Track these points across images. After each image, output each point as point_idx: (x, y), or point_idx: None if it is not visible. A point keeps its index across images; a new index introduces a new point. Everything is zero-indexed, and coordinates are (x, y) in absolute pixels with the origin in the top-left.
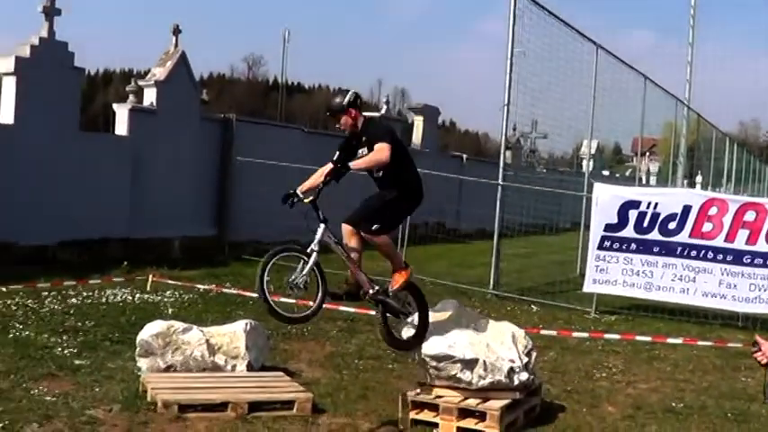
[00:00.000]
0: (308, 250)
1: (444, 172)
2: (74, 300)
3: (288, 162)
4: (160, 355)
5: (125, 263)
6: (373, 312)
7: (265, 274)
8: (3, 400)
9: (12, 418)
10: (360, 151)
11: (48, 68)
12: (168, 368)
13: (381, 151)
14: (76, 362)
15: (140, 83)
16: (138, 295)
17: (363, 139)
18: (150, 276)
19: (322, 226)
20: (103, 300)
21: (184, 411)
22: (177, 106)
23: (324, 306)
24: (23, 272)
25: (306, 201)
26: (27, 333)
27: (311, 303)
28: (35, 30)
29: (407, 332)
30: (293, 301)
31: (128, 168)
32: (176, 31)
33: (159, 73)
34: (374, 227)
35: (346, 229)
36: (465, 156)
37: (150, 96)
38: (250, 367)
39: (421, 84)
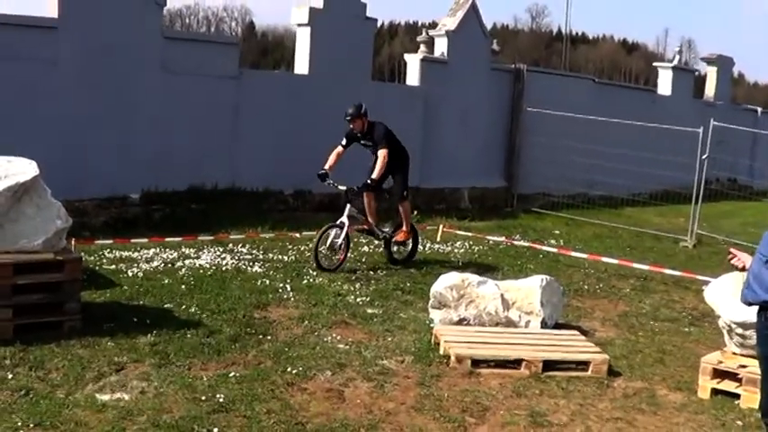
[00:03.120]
0: (339, 222)
1: (737, 125)
2: (365, 248)
3: (577, 113)
4: (453, 307)
5: (415, 212)
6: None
7: (320, 241)
8: (297, 345)
9: (305, 365)
10: (363, 141)
11: (340, 19)
12: (461, 321)
13: (384, 157)
14: (369, 311)
15: (431, 33)
16: (428, 245)
17: (367, 137)
18: (440, 227)
19: (349, 206)
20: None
21: (477, 366)
22: (468, 56)
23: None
24: (318, 219)
25: (341, 188)
26: (320, 280)
27: (341, 257)
28: None
29: (401, 255)
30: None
31: (419, 118)
32: None
33: (450, 23)
34: (404, 193)
35: (368, 193)
36: (760, 109)
37: (441, 46)
38: (544, 324)
39: (708, 33)
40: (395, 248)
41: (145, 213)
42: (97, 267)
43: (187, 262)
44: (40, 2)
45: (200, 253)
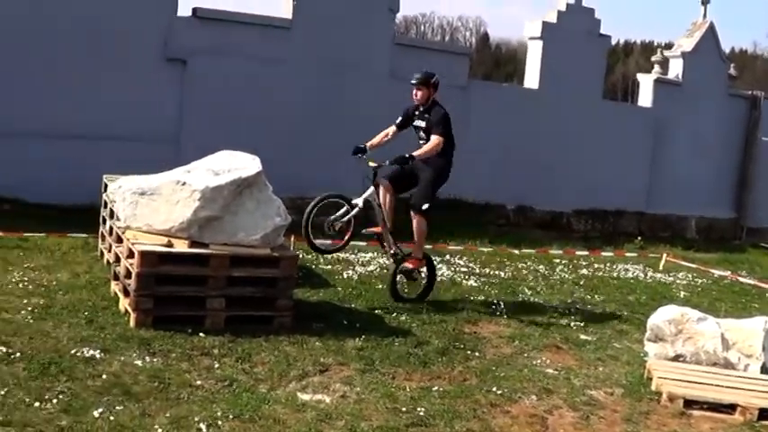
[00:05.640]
0: (353, 202)
1: None
2: (584, 271)
3: None
4: (670, 342)
5: (638, 238)
6: None
7: (314, 209)
8: (504, 365)
9: (511, 387)
10: (416, 121)
11: (574, 35)
12: (677, 357)
13: (437, 144)
14: (582, 336)
15: (666, 53)
16: (649, 273)
17: (425, 115)
18: (664, 255)
19: (372, 188)
20: (614, 274)
21: (689, 407)
22: (703, 79)
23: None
24: (537, 237)
25: (372, 164)
26: (536, 300)
27: (340, 243)
28: None
29: (407, 290)
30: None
31: (649, 141)
32: (705, 2)
33: (686, 44)
34: (424, 207)
35: (386, 186)
36: None
37: (676, 68)
38: (764, 369)
39: None
40: (399, 277)
41: (367, 217)
42: (313, 266)
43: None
44: (273, 3)
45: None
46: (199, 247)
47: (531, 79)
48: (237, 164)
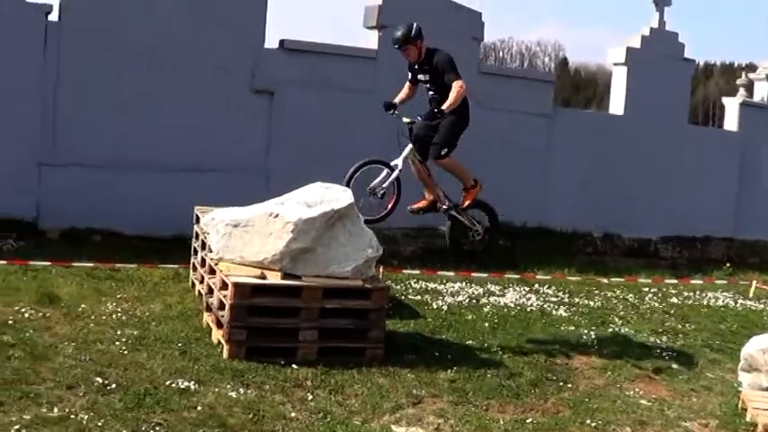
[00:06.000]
0: (392, 164)
1: None
2: (674, 299)
3: None
4: (765, 372)
5: (727, 264)
6: None
7: (352, 180)
8: (597, 397)
9: (605, 418)
10: (421, 76)
11: (658, 59)
12: None
13: (460, 88)
14: (674, 366)
15: (751, 76)
16: (740, 301)
17: (424, 67)
18: (753, 282)
19: (410, 146)
20: (704, 302)
21: None
22: None
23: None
24: (625, 265)
25: (406, 120)
26: (626, 329)
27: (388, 207)
28: (646, 20)
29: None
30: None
31: (736, 165)
32: None
33: None
34: (443, 152)
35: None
36: None
37: (761, 90)
38: None
39: None
40: (462, 223)
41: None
42: (403, 297)
43: (492, 299)
44: (359, 34)
45: (506, 291)
46: (291, 279)
47: (616, 105)
48: (330, 196)
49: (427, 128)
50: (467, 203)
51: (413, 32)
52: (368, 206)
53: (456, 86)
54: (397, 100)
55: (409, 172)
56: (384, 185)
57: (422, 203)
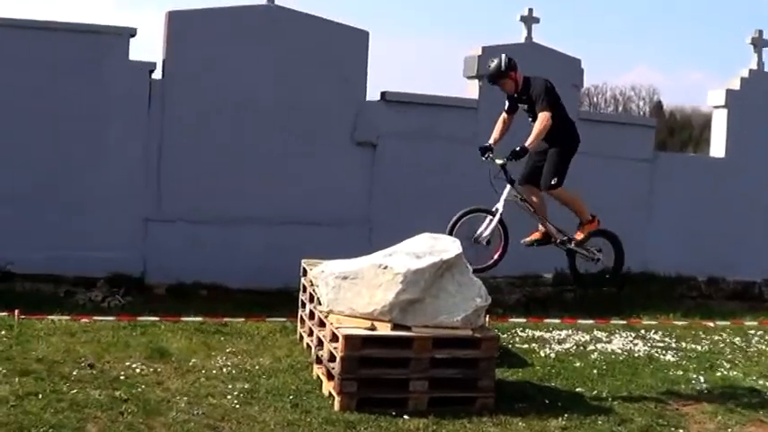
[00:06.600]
0: (494, 209)
1: None
2: None
3: None
4: None
5: None
6: None
7: (454, 230)
8: None
9: None
10: (521, 105)
11: (758, 101)
12: None
13: (545, 120)
14: None
15: None
16: None
17: (523, 97)
18: None
19: (508, 187)
20: None
21: None
22: None
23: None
24: (730, 308)
25: (497, 162)
26: (735, 373)
27: (495, 256)
28: (745, 62)
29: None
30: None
31: None
32: None
33: None
34: (552, 182)
35: (526, 188)
36: None
37: None
38: None
39: None
40: (578, 262)
41: (557, 293)
42: (510, 345)
43: (599, 346)
44: (460, 84)
45: (612, 337)
46: (401, 330)
47: (717, 148)
48: (439, 246)
49: (531, 159)
50: (581, 237)
51: (503, 65)
52: (475, 255)
53: (540, 118)
54: (491, 141)
55: (515, 214)
56: (487, 232)
57: (535, 235)
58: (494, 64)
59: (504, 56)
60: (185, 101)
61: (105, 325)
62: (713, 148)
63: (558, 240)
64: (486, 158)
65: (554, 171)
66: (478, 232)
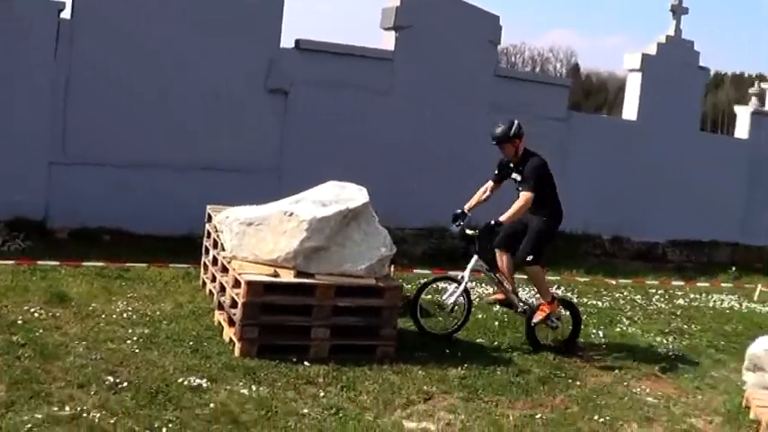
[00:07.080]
0: (459, 277)
1: None
2: (680, 301)
3: None
4: None
5: (733, 268)
6: None
7: (420, 295)
8: (605, 394)
9: (612, 414)
10: (515, 175)
11: (673, 67)
12: None
13: (525, 202)
14: (680, 365)
15: (763, 85)
16: (745, 304)
17: (519, 168)
18: (759, 286)
19: (475, 257)
20: (710, 304)
21: None
22: None
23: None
24: (633, 267)
25: (469, 232)
26: (633, 329)
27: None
28: (663, 28)
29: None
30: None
31: (745, 173)
32: None
33: None
34: (528, 258)
35: (499, 252)
36: None
37: None
38: None
39: None
40: (537, 330)
41: (463, 246)
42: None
43: None
44: (374, 35)
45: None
46: (304, 277)
47: (630, 111)
48: (345, 195)
49: (510, 227)
50: (539, 319)
51: (512, 131)
52: (440, 322)
53: (522, 197)
54: (465, 208)
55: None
56: (452, 299)
57: (499, 296)
58: (503, 127)
59: (516, 122)
60: (93, 43)
61: (4, 269)
62: (626, 110)
63: (520, 310)
64: (458, 226)
65: (531, 249)
66: (444, 298)
